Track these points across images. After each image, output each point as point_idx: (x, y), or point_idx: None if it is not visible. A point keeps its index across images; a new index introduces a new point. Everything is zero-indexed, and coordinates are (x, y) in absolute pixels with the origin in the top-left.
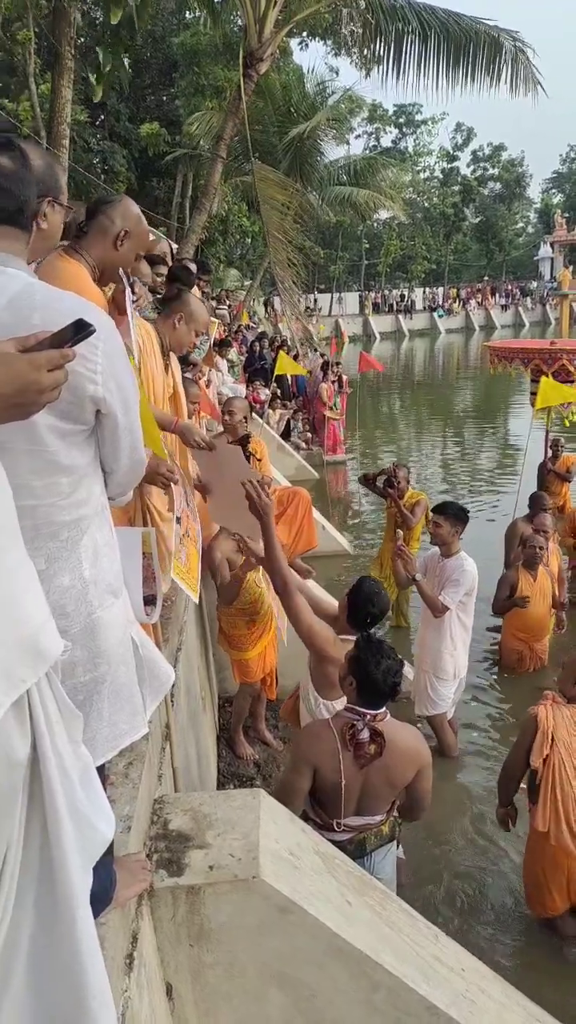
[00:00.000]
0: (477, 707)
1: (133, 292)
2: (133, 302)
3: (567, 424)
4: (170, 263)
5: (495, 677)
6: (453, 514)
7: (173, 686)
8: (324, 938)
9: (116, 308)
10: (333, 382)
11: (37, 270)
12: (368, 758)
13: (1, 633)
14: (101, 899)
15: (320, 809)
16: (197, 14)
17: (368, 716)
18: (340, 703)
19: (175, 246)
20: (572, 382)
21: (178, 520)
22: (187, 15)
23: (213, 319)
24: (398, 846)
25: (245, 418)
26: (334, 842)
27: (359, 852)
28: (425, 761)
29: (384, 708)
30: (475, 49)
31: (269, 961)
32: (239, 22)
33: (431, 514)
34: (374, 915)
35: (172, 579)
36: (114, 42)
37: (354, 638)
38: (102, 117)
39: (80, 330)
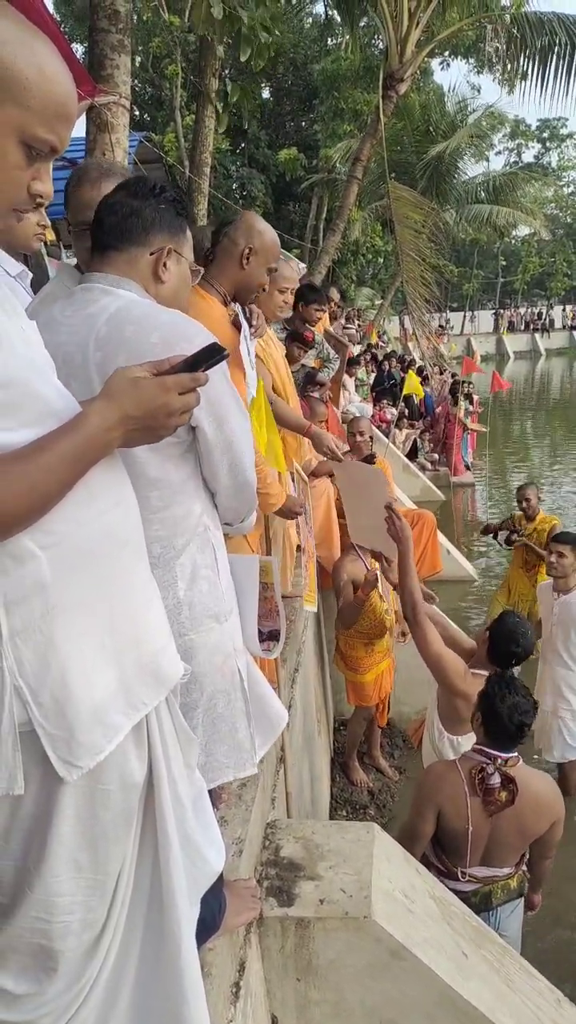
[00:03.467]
0: None
1: (251, 324)
2: (252, 327)
3: None
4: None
5: None
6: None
7: (290, 707)
8: (437, 989)
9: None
10: (466, 396)
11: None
12: (499, 806)
13: (123, 654)
14: (210, 925)
15: (444, 855)
16: (339, 40)
17: (500, 760)
18: (467, 740)
19: (303, 266)
20: None
21: (299, 548)
22: (328, 42)
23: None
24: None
25: (371, 438)
26: (457, 892)
27: (484, 905)
28: (560, 814)
29: (516, 753)
30: None
31: (377, 1006)
32: (380, 45)
33: (551, 544)
34: (491, 970)
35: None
36: (246, 77)
37: (487, 673)
38: (242, 145)
39: (214, 354)
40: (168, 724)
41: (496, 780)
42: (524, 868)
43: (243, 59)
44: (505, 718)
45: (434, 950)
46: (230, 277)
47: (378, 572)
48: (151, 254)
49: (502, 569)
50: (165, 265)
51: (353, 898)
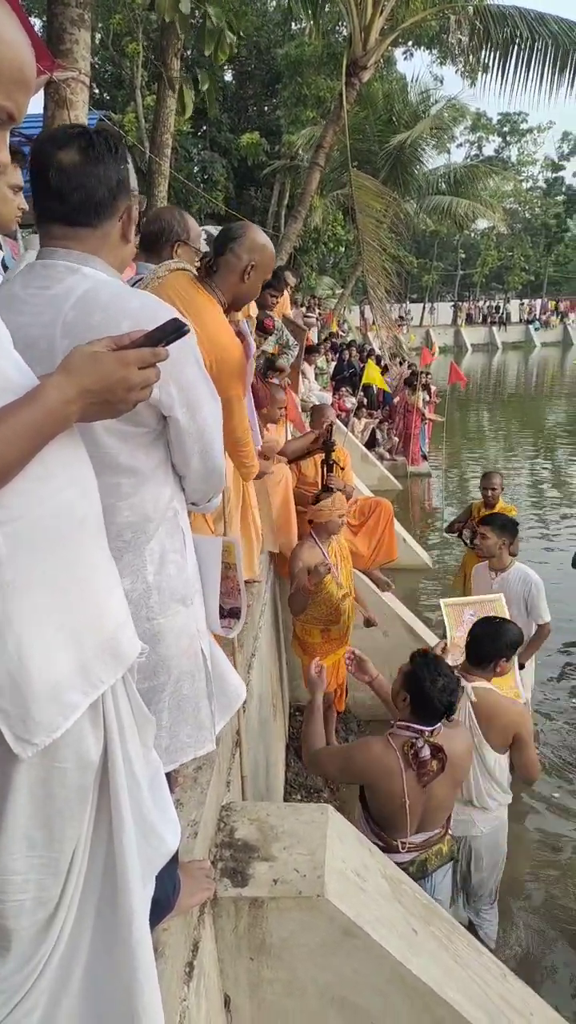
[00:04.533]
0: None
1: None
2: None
3: None
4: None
5: None
6: (501, 525)
7: (247, 692)
8: (388, 966)
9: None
10: (424, 387)
11: (159, 287)
12: (432, 775)
13: (82, 631)
14: (164, 905)
15: (381, 831)
16: (302, 25)
17: (427, 733)
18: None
19: None
20: None
21: None
22: (292, 26)
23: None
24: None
25: (331, 426)
26: (396, 864)
27: (421, 873)
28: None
29: (439, 724)
30: None
31: (330, 983)
32: (344, 32)
33: (478, 527)
34: (440, 947)
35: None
36: (208, 60)
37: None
38: (204, 128)
39: (175, 330)
40: (124, 704)
41: (427, 752)
42: (451, 833)
43: (206, 53)
44: (435, 700)
45: (385, 928)
46: (231, 288)
47: (330, 564)
48: (119, 219)
49: (456, 558)
50: (132, 225)
51: (307, 878)
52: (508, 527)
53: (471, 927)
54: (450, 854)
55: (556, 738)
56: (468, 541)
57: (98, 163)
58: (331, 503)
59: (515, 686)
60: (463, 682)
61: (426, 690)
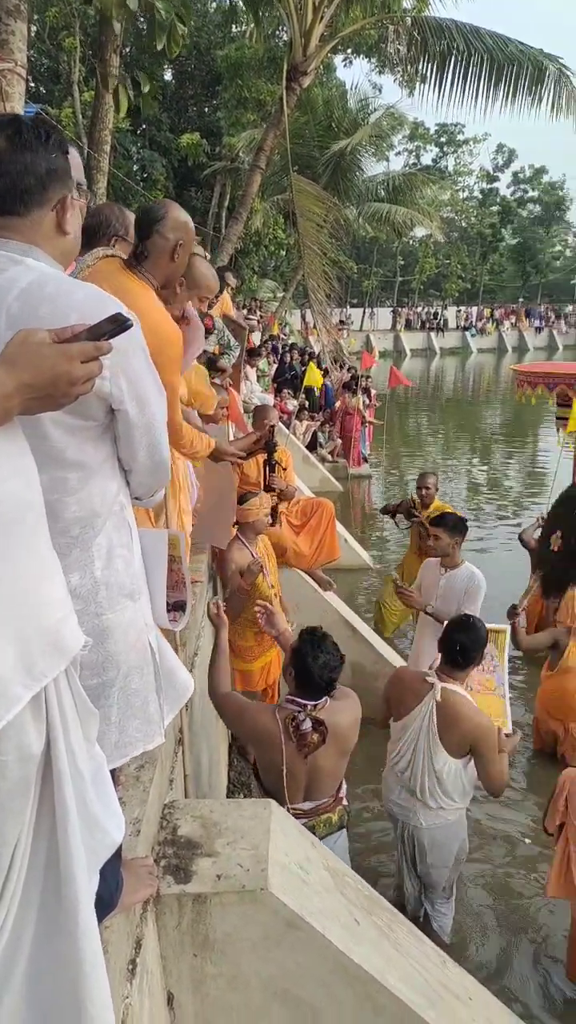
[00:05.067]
0: None
1: None
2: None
3: None
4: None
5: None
6: (452, 525)
7: None
8: (330, 956)
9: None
10: (364, 390)
11: (89, 276)
12: (312, 747)
13: (24, 624)
14: (107, 903)
15: (270, 798)
16: (243, 28)
17: (310, 707)
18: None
19: (207, 255)
20: None
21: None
22: (233, 28)
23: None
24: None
25: (274, 427)
26: None
27: None
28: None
29: (325, 698)
30: (518, 71)
31: (273, 976)
32: (285, 36)
33: (430, 527)
34: (381, 936)
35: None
36: (147, 57)
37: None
38: (143, 126)
39: (119, 324)
40: (68, 697)
41: (308, 725)
42: (345, 802)
43: (158, 47)
44: (316, 675)
45: (328, 919)
46: (162, 271)
47: (261, 563)
48: (52, 209)
49: (397, 557)
50: (67, 215)
51: (250, 872)
52: (459, 526)
53: (427, 918)
54: (339, 823)
55: None
56: (406, 516)
57: (25, 151)
58: (258, 502)
59: (503, 714)
60: (434, 682)
61: (308, 666)
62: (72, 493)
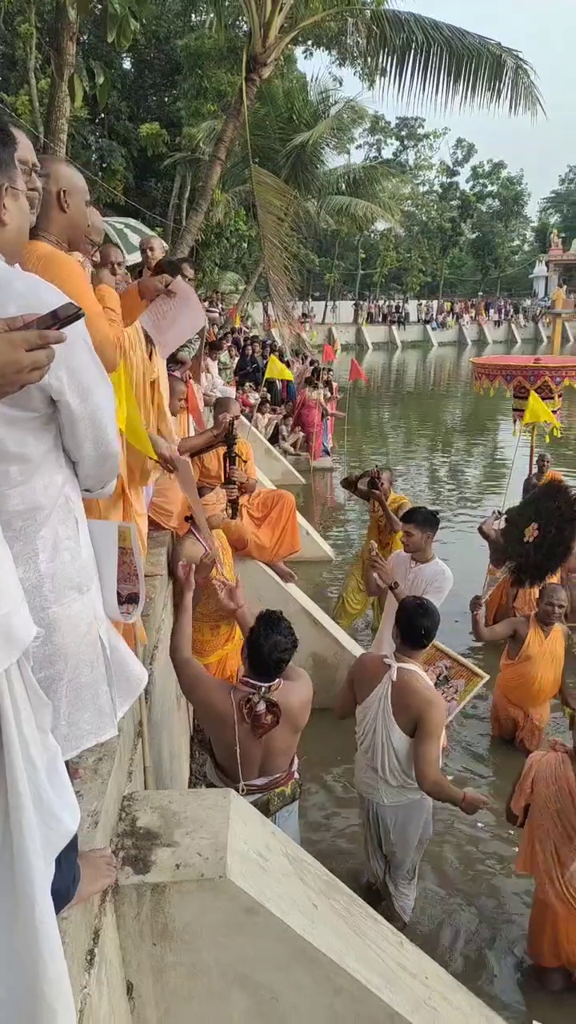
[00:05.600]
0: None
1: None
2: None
3: (548, 440)
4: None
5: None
6: (423, 520)
7: (149, 683)
8: (289, 941)
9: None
10: (325, 383)
11: (37, 267)
12: (266, 728)
13: None
14: (64, 894)
15: (225, 776)
16: (203, 17)
17: (264, 688)
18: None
19: (165, 246)
20: (551, 399)
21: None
22: (192, 18)
23: (210, 325)
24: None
25: (235, 418)
26: None
27: (264, 813)
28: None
29: (278, 679)
30: (477, 65)
31: (232, 963)
32: (244, 27)
33: (401, 523)
34: (339, 919)
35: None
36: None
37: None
38: (102, 115)
39: (69, 314)
40: (20, 688)
41: (262, 707)
42: (297, 776)
43: (108, 40)
44: (266, 654)
45: (286, 904)
46: (58, 224)
47: (214, 556)
48: None
49: (357, 548)
50: (4, 206)
51: (209, 860)
52: (430, 521)
53: (389, 898)
54: (292, 796)
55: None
56: (368, 486)
57: None
58: (214, 497)
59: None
60: (390, 662)
61: (259, 646)
62: (14, 486)
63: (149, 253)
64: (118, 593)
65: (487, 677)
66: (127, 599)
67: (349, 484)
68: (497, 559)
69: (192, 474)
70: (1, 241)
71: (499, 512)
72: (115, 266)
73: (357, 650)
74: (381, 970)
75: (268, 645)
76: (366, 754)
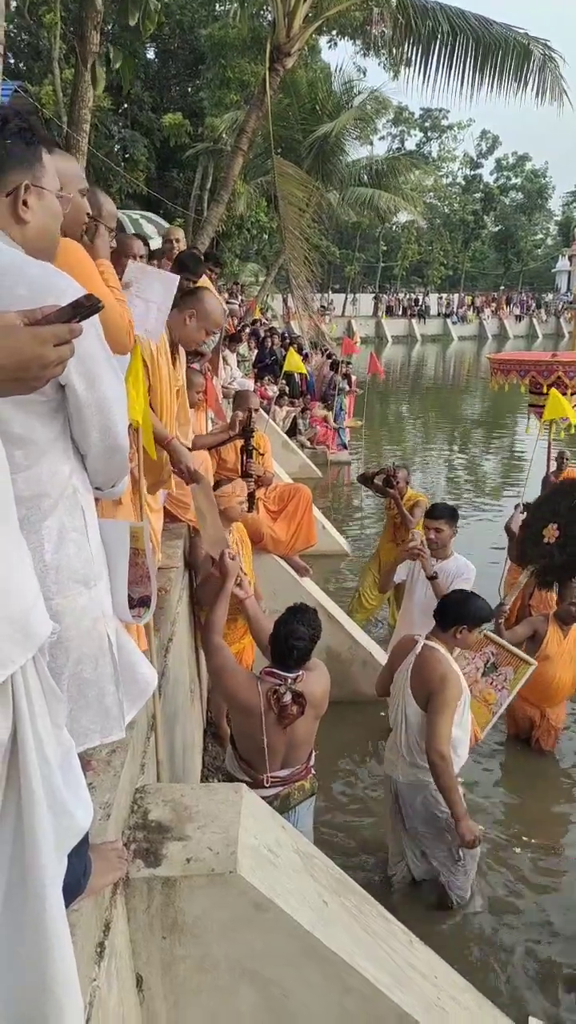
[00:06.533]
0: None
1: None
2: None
3: (561, 436)
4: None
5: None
6: (449, 515)
7: (162, 676)
8: (299, 937)
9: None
10: (344, 376)
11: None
12: (292, 719)
13: None
14: (75, 887)
15: (249, 767)
16: (227, 7)
17: (289, 679)
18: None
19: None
20: (566, 395)
21: None
22: (216, 7)
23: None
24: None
25: (253, 411)
26: (262, 799)
27: (284, 807)
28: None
29: (301, 671)
30: (503, 55)
31: (242, 957)
32: (268, 17)
33: (426, 520)
34: (350, 917)
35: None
36: (129, 34)
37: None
38: (125, 105)
39: (89, 306)
40: (35, 682)
41: (288, 698)
42: (313, 771)
43: (131, 23)
44: (282, 639)
45: (297, 901)
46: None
47: (234, 552)
48: (7, 195)
49: (373, 543)
50: (26, 204)
51: (219, 855)
52: (456, 516)
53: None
54: (311, 790)
55: None
56: (383, 484)
57: None
58: (231, 490)
59: (485, 725)
60: (417, 638)
61: (278, 633)
62: (19, 471)
63: (175, 243)
64: (129, 596)
65: (535, 664)
66: (139, 602)
67: (365, 480)
68: (518, 555)
69: (212, 497)
70: (23, 239)
71: (522, 506)
72: (138, 259)
73: (371, 645)
74: (391, 969)
75: (286, 630)
76: (392, 730)
